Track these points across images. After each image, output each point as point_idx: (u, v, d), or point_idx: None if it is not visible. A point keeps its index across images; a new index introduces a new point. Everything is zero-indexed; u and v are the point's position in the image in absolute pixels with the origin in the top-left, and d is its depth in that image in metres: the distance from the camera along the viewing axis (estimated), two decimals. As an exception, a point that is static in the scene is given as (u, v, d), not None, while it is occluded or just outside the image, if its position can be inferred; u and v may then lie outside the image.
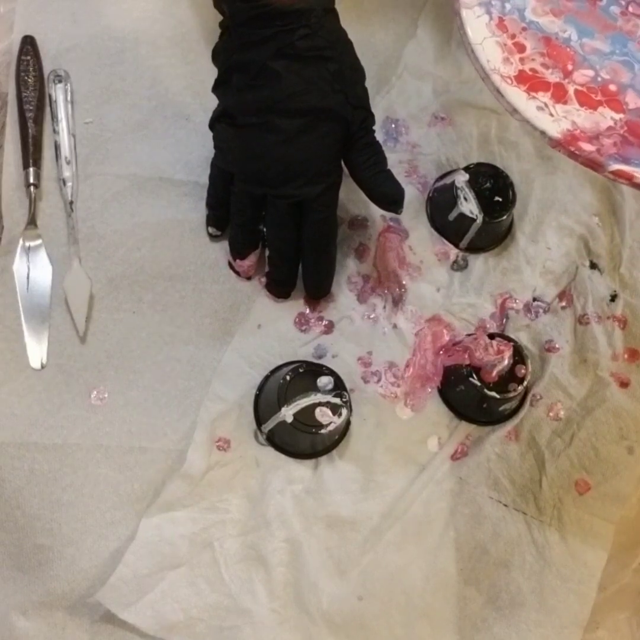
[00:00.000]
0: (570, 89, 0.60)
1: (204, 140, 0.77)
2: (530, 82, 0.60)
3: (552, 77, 0.60)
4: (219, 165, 0.77)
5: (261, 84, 0.70)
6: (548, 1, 0.63)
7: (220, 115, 0.74)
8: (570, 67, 0.61)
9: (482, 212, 0.81)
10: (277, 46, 0.69)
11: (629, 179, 0.58)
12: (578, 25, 0.62)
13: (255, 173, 0.74)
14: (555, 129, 0.58)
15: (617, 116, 0.60)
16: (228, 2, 0.70)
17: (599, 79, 0.61)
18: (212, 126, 0.76)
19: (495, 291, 0.83)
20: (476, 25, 0.61)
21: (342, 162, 0.75)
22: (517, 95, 0.59)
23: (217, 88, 0.74)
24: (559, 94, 0.60)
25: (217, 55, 0.74)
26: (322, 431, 0.71)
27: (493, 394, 0.75)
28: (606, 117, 0.60)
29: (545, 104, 0.59)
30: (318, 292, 0.80)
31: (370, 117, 0.75)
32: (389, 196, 0.75)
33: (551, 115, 0.59)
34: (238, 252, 0.79)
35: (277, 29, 0.69)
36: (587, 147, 0.58)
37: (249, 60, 0.70)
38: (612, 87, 0.61)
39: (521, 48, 0.61)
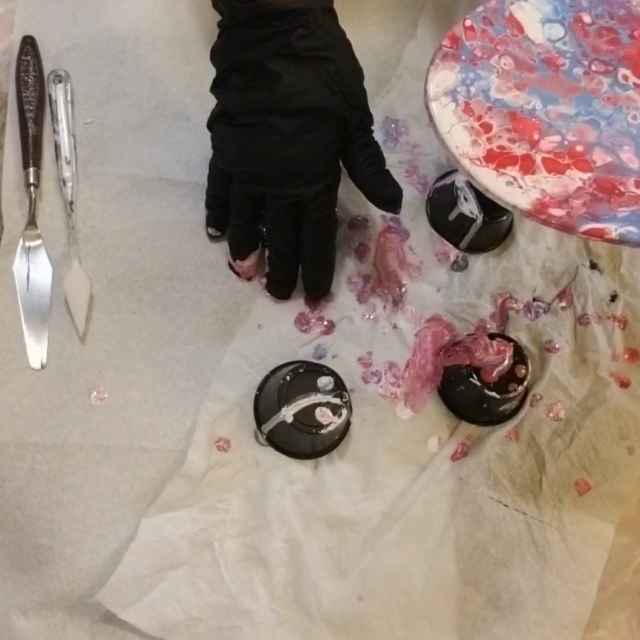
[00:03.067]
0: (538, 159, 0.62)
1: (204, 140, 0.77)
2: (498, 159, 0.61)
3: (520, 150, 0.62)
4: (217, 165, 0.77)
5: (259, 84, 0.70)
6: (511, 77, 0.64)
7: (219, 115, 0.74)
8: (536, 136, 0.62)
9: (482, 212, 0.81)
10: (276, 46, 0.69)
11: (600, 236, 0.59)
12: (542, 94, 0.64)
13: (253, 173, 0.74)
14: (525, 201, 0.60)
15: (585, 176, 0.62)
16: (226, 2, 0.70)
17: (566, 142, 0.62)
18: (210, 126, 0.76)
19: (496, 291, 0.83)
20: (444, 114, 0.63)
21: (341, 162, 0.75)
22: (486, 175, 0.61)
23: (215, 88, 0.74)
24: (527, 166, 0.61)
25: (216, 55, 0.74)
26: (322, 431, 0.71)
27: (493, 394, 0.75)
28: (574, 178, 0.61)
29: (514, 178, 0.61)
30: (318, 292, 0.80)
31: (368, 117, 0.75)
32: (387, 196, 0.75)
33: (520, 187, 0.60)
34: (238, 252, 0.79)
35: (275, 29, 0.69)
36: (557, 212, 0.60)
37: (247, 60, 0.70)
38: (579, 148, 0.62)
39: (488, 128, 0.63)
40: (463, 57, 0.64)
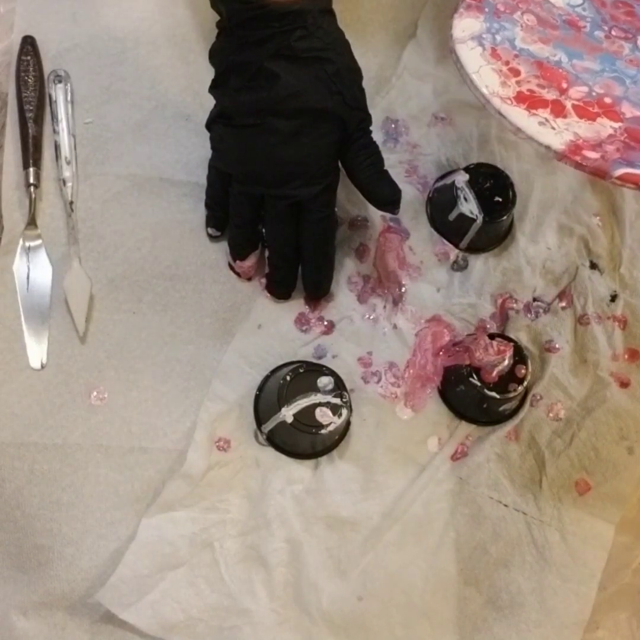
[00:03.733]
0: (568, 104, 0.62)
1: (204, 140, 0.77)
2: (529, 100, 0.61)
3: (549, 95, 0.62)
4: (216, 166, 0.77)
5: (258, 85, 0.70)
6: (535, 31, 0.65)
7: (218, 115, 0.74)
8: (564, 85, 0.62)
9: (482, 212, 0.81)
10: (274, 47, 0.69)
11: (635, 183, 0.59)
12: (567, 50, 0.64)
13: (252, 174, 0.74)
14: (558, 142, 0.60)
15: (616, 125, 0.62)
16: (225, 3, 0.70)
17: (594, 93, 0.62)
18: (209, 127, 0.76)
19: (496, 291, 0.83)
20: (471, 56, 0.63)
21: (340, 163, 0.75)
22: (518, 114, 0.61)
23: (214, 89, 0.74)
24: (558, 109, 0.61)
25: (214, 56, 0.74)
26: (322, 431, 0.71)
27: (493, 394, 0.75)
28: (605, 126, 0.61)
29: (546, 119, 0.61)
30: (318, 292, 0.80)
31: (367, 118, 0.74)
32: (386, 197, 0.75)
33: (553, 128, 0.60)
34: (238, 253, 0.79)
35: (274, 30, 0.69)
36: (592, 154, 0.59)
37: (246, 61, 0.70)
38: (607, 100, 0.62)
39: (516, 72, 0.63)
40: (486, 10, 0.65)
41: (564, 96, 0.62)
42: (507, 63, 0.63)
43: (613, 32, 0.66)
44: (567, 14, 0.66)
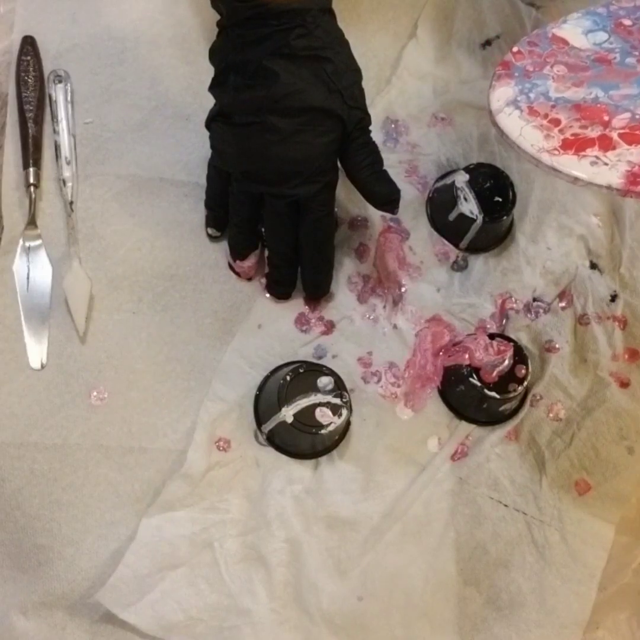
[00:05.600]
0: (614, 135, 0.62)
1: (204, 140, 0.77)
2: (575, 145, 0.62)
3: (593, 132, 0.62)
4: (215, 165, 0.77)
5: (257, 83, 0.70)
6: (567, 79, 0.66)
7: (217, 114, 0.74)
8: (606, 117, 0.63)
9: (482, 212, 0.81)
10: (274, 46, 0.69)
11: None
12: (601, 85, 0.65)
13: (252, 173, 0.74)
14: (615, 176, 0.60)
15: None
16: (225, 1, 0.70)
17: (637, 116, 0.62)
18: (208, 126, 0.76)
19: (495, 291, 0.83)
20: (510, 122, 0.64)
21: (339, 162, 0.75)
22: (568, 161, 0.61)
23: (213, 87, 0.74)
24: (606, 143, 0.61)
25: (214, 55, 0.74)
26: (322, 431, 0.71)
27: (493, 394, 0.75)
28: None
29: (597, 157, 0.61)
30: (317, 292, 0.80)
31: (366, 117, 0.74)
32: (385, 196, 0.75)
33: (606, 164, 0.60)
34: (237, 253, 0.79)
35: (273, 29, 0.69)
36: None
37: (245, 59, 0.70)
38: None
39: (557, 122, 0.63)
40: (516, 74, 0.66)
41: (608, 129, 0.62)
42: (546, 116, 0.63)
43: None
44: (594, 53, 0.67)
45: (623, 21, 0.68)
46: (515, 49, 0.68)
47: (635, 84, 0.64)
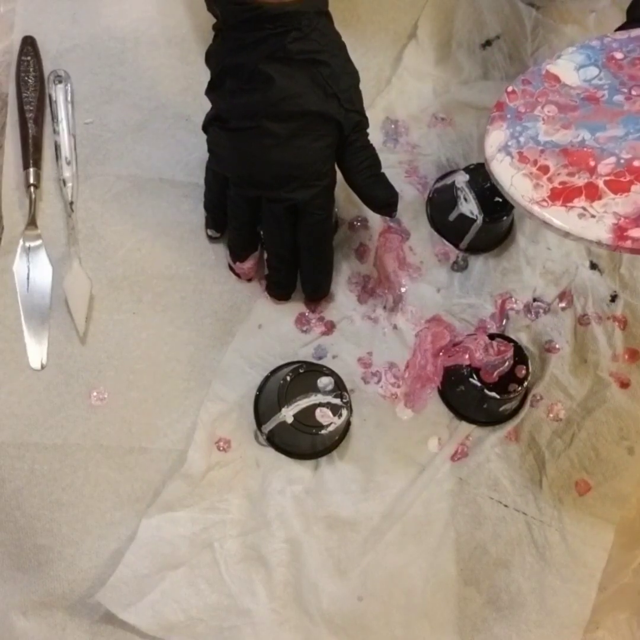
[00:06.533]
0: (600, 183, 0.62)
1: (204, 141, 0.76)
2: (563, 194, 0.62)
3: (580, 180, 0.63)
4: (213, 168, 0.77)
5: (253, 87, 0.70)
6: (557, 120, 0.66)
7: (213, 118, 0.74)
8: (592, 163, 0.63)
9: (482, 212, 0.81)
10: (269, 50, 0.69)
11: None
12: (589, 126, 0.65)
13: (248, 177, 0.74)
14: (603, 231, 0.60)
15: None
16: (220, 4, 0.70)
17: (622, 160, 0.63)
18: (205, 129, 0.76)
19: (496, 292, 0.83)
20: (502, 169, 0.65)
21: (337, 165, 0.75)
22: (557, 213, 0.62)
23: (210, 91, 0.74)
24: (592, 193, 0.62)
25: (210, 58, 0.73)
26: (322, 432, 0.71)
27: (493, 394, 0.75)
28: None
29: (584, 208, 0.61)
30: (316, 294, 0.80)
31: (364, 120, 0.74)
32: (383, 200, 0.74)
33: (593, 216, 0.61)
34: (237, 255, 0.79)
35: (269, 33, 0.68)
36: (638, 233, 0.60)
37: (241, 63, 0.70)
38: (637, 163, 0.63)
39: (545, 169, 0.64)
40: (508, 115, 0.67)
41: (594, 176, 0.63)
42: (535, 163, 0.64)
43: (633, 92, 0.67)
44: (584, 91, 0.67)
45: (615, 54, 0.69)
46: (509, 89, 0.68)
47: (622, 124, 0.65)
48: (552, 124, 0.66)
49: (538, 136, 0.65)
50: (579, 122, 0.65)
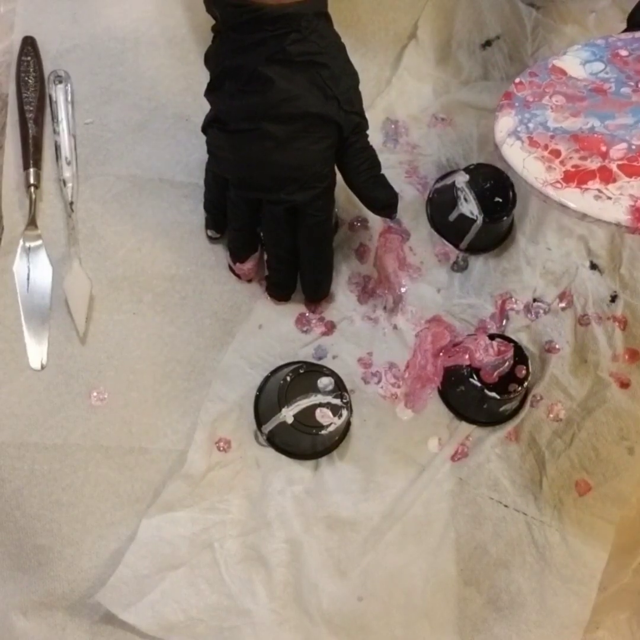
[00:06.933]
0: (613, 167, 0.62)
1: (204, 142, 0.76)
2: (577, 176, 0.62)
3: (593, 164, 0.63)
4: (212, 170, 0.77)
5: (253, 89, 0.70)
6: (565, 108, 0.66)
7: (212, 120, 0.74)
8: (603, 148, 0.63)
9: (482, 212, 0.81)
10: (268, 51, 0.69)
11: None
12: (598, 114, 0.66)
13: (248, 179, 0.74)
14: (621, 212, 0.60)
15: None
16: (219, 6, 0.70)
17: (633, 146, 0.63)
18: (204, 131, 0.76)
19: (496, 292, 0.83)
20: (513, 153, 0.65)
21: (336, 167, 0.75)
22: (571, 194, 0.62)
23: (209, 93, 0.74)
24: (606, 175, 0.62)
25: (209, 60, 0.73)
26: (323, 432, 0.71)
27: (493, 394, 0.75)
28: None
29: (599, 190, 0.62)
30: (316, 295, 0.80)
31: (363, 122, 0.74)
32: (382, 201, 0.74)
33: (609, 198, 0.61)
34: (237, 256, 0.79)
35: (268, 34, 0.68)
36: None
37: (240, 65, 0.70)
38: None
39: (557, 153, 0.64)
40: (517, 104, 0.67)
41: (607, 160, 0.63)
42: (546, 147, 0.64)
43: None
44: (591, 83, 0.68)
45: (620, 52, 0.69)
46: (517, 80, 0.69)
47: (630, 113, 0.65)
48: (560, 112, 0.66)
49: (547, 122, 0.66)
50: (588, 111, 0.66)
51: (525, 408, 0.79)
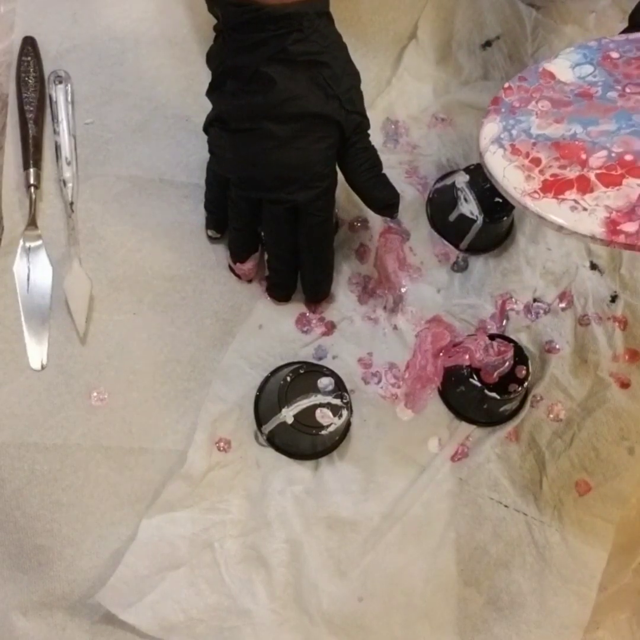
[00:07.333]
0: (591, 176, 0.62)
1: (205, 142, 0.76)
2: (554, 186, 0.62)
3: (572, 173, 0.63)
4: (214, 169, 0.77)
5: (254, 89, 0.70)
6: (550, 114, 0.66)
7: (214, 119, 0.74)
8: (583, 156, 0.63)
9: (482, 213, 0.81)
10: (270, 51, 0.69)
11: None
12: (581, 120, 0.66)
13: (249, 178, 0.74)
14: (596, 224, 0.60)
15: None
16: (221, 6, 0.70)
17: (613, 154, 0.63)
18: (206, 130, 0.76)
19: (496, 292, 0.83)
20: (495, 161, 0.65)
21: (337, 167, 0.75)
22: (548, 205, 0.62)
23: (210, 92, 0.74)
24: (584, 185, 0.62)
25: (211, 59, 0.73)
26: (323, 432, 0.71)
27: (493, 394, 0.75)
28: (633, 186, 0.61)
29: (575, 201, 0.61)
30: (317, 295, 0.80)
31: (365, 121, 0.74)
32: (384, 201, 0.74)
33: (585, 209, 0.61)
34: (237, 255, 0.79)
35: (270, 34, 0.68)
36: (630, 227, 0.59)
37: (242, 65, 0.70)
38: (628, 157, 0.62)
39: (537, 161, 0.64)
40: (503, 109, 0.67)
41: (585, 168, 0.63)
42: (527, 155, 0.64)
43: (627, 89, 0.67)
44: (578, 87, 0.68)
45: (611, 54, 0.69)
46: (506, 85, 0.69)
47: (614, 119, 0.65)
48: (545, 118, 0.66)
49: (530, 129, 0.66)
50: (572, 117, 0.65)
51: (525, 408, 0.79)
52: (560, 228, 0.61)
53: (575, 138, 0.64)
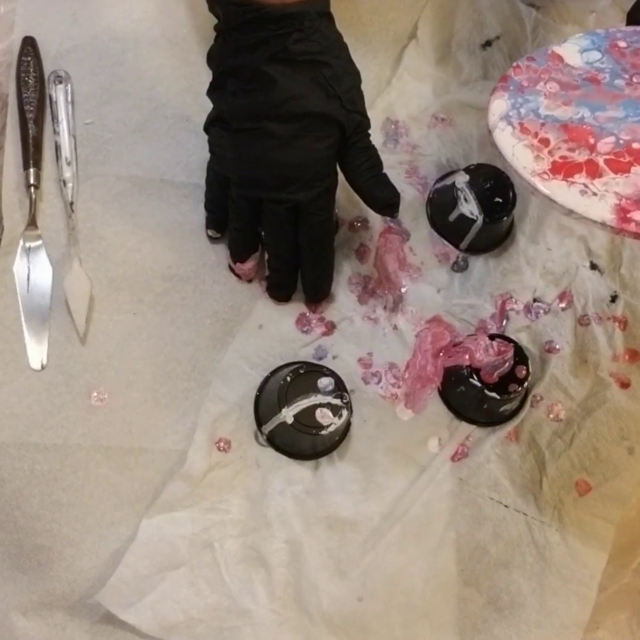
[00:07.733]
0: (600, 161, 0.62)
1: (205, 142, 0.76)
2: (564, 169, 0.62)
3: (580, 156, 0.63)
4: (214, 169, 0.77)
5: (255, 88, 0.70)
6: (558, 96, 0.66)
7: (215, 119, 0.74)
8: (591, 140, 0.63)
9: (482, 213, 0.81)
10: (271, 51, 0.69)
11: None
12: (589, 104, 0.66)
13: (250, 178, 0.74)
14: (606, 211, 0.60)
15: None
16: (221, 5, 0.70)
17: (621, 141, 0.63)
18: (207, 130, 0.76)
19: (496, 292, 0.83)
20: (503, 138, 0.65)
21: (338, 166, 0.75)
22: (558, 187, 0.61)
23: (211, 92, 0.74)
24: (593, 170, 0.62)
25: (212, 59, 0.73)
26: (323, 432, 0.71)
27: (493, 394, 0.75)
28: None
29: (585, 185, 0.61)
30: (317, 295, 0.80)
31: (365, 121, 0.74)
32: (385, 200, 0.74)
33: (594, 194, 0.61)
34: (238, 255, 0.79)
35: (271, 34, 0.68)
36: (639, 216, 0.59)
37: (242, 64, 0.70)
38: (636, 145, 0.63)
39: (546, 142, 0.64)
40: (511, 87, 0.67)
41: (594, 153, 0.63)
42: (536, 135, 0.64)
43: (634, 79, 0.67)
44: (586, 72, 0.68)
45: (619, 43, 0.69)
46: (515, 64, 0.69)
47: (622, 106, 0.65)
48: (553, 99, 0.66)
49: (539, 109, 0.66)
50: (580, 100, 0.66)
51: (525, 408, 0.79)
52: (570, 212, 0.61)
53: (583, 122, 0.64)
